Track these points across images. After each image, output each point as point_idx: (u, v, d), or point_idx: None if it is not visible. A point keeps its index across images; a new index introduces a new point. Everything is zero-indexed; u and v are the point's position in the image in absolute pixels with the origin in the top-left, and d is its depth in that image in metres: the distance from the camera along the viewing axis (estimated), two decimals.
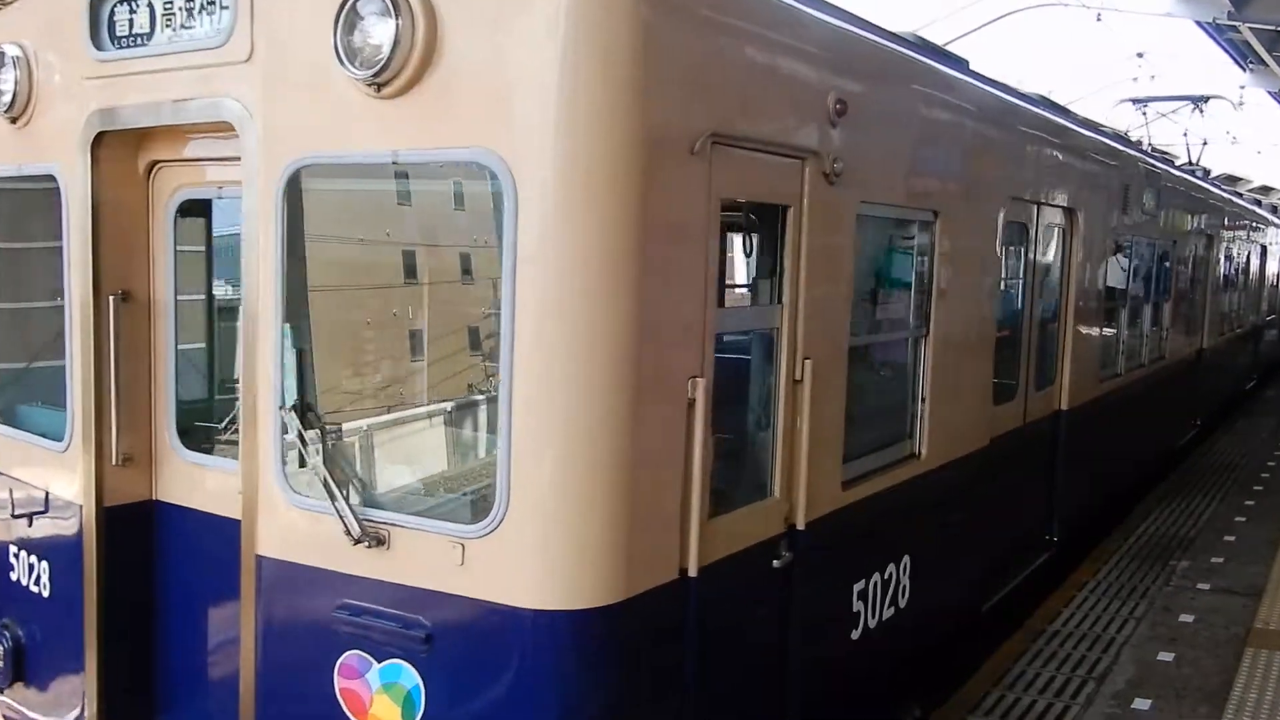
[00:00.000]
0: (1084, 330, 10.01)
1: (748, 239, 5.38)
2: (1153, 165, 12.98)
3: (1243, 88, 27.00)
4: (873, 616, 6.14)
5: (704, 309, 4.44)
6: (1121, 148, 11.81)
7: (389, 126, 4.21)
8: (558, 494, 4.02)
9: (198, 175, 5.26)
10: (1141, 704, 7.04)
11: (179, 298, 5.41)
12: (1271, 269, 25.39)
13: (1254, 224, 22.13)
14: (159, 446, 5.41)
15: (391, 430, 4.98)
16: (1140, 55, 29.16)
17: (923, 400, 6.69)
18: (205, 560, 5.17)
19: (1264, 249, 23.72)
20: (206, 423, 5.60)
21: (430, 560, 4.20)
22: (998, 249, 7.77)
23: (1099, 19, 23.92)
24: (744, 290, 5.56)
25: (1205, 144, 22.94)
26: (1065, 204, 9.37)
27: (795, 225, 5.09)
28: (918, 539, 6.72)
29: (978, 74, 7.99)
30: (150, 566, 5.41)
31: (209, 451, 5.37)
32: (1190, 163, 20.74)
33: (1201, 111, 22.31)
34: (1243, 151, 37.94)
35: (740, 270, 5.50)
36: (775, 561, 5.11)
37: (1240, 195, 25.84)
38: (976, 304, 7.50)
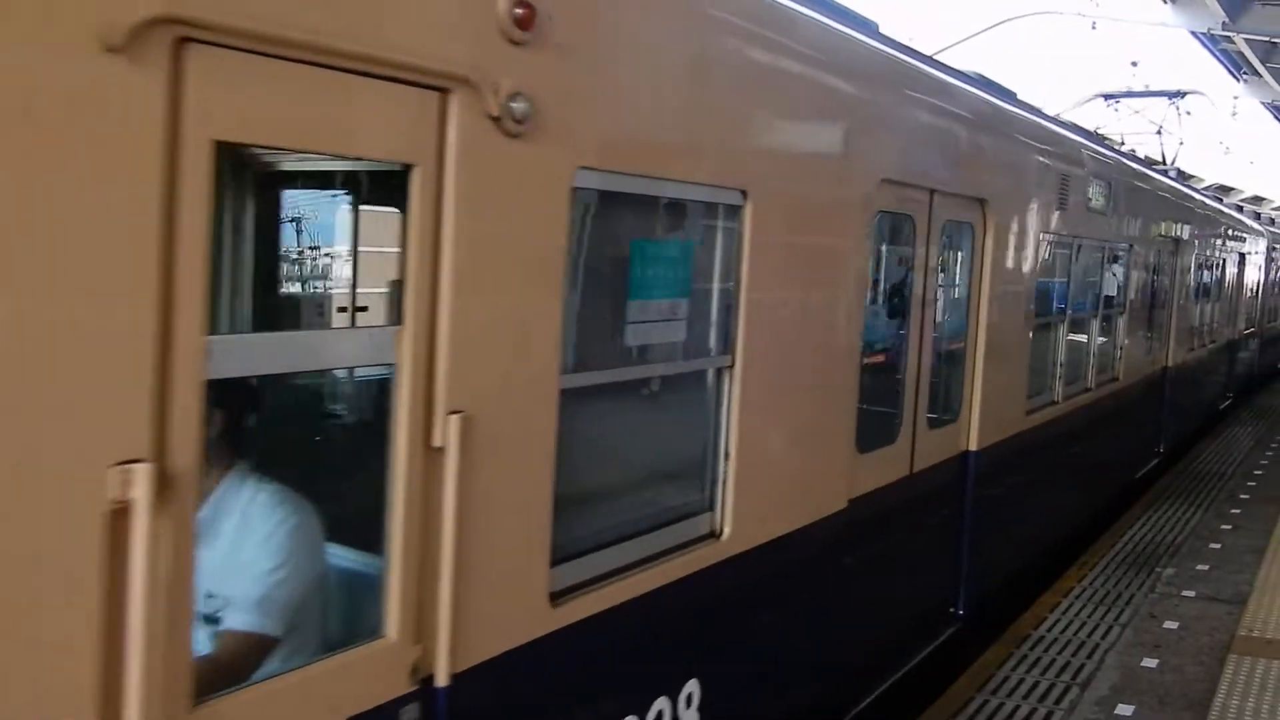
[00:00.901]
0: (1001, 351, 8.03)
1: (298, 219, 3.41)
2: (1101, 156, 11.03)
3: (1236, 98, 27.39)
4: None
5: (162, 339, 2.47)
6: (1059, 131, 9.87)
7: None
8: None
9: None
10: (1125, 709, 6.92)
11: None
12: (1251, 278, 23.40)
13: (1231, 230, 20.19)
14: None
15: None
16: (1134, 64, 28.29)
17: (726, 456, 4.75)
18: None
19: (1242, 257, 21.75)
20: None
21: None
22: (861, 247, 5.83)
23: (1094, 27, 23.50)
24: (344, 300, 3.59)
25: (1181, 144, 21.23)
26: (974, 193, 7.43)
27: (429, 197, 3.15)
28: (715, 653, 4.78)
29: (882, 36, 6.20)
30: None
31: None
32: (1163, 162, 18.86)
33: (1178, 110, 20.62)
34: (1235, 161, 39.28)
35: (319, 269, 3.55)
36: None
37: (1221, 200, 24.00)
38: (823, 320, 5.56)
